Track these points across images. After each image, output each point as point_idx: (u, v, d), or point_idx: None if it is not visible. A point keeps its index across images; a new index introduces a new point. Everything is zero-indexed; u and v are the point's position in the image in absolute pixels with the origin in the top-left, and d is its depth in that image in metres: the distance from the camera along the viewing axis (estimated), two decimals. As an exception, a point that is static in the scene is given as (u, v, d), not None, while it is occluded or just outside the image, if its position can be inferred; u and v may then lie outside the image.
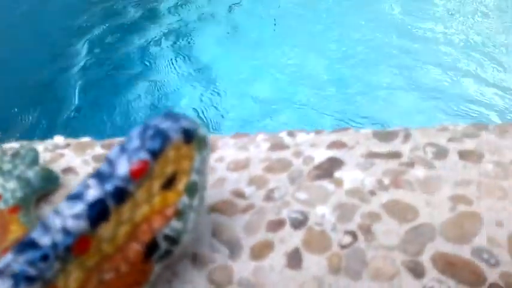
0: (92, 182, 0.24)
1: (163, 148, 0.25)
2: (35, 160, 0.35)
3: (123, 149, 0.25)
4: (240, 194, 0.33)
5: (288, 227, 0.31)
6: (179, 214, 0.26)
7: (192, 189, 0.26)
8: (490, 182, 0.32)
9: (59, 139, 0.42)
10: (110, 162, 0.24)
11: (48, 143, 0.41)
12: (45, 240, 0.23)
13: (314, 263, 0.30)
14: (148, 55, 1.65)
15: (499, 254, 0.29)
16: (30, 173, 0.34)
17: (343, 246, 0.30)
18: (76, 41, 1.69)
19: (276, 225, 0.31)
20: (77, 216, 0.23)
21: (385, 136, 0.38)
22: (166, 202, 0.26)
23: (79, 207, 0.23)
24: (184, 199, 0.26)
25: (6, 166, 0.34)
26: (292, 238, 0.31)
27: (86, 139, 0.42)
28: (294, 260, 0.30)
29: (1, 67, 1.56)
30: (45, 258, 0.22)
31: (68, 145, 0.40)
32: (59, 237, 0.23)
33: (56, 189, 0.35)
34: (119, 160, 0.24)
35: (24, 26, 1.73)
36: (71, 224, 0.23)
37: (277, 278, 0.30)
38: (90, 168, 0.37)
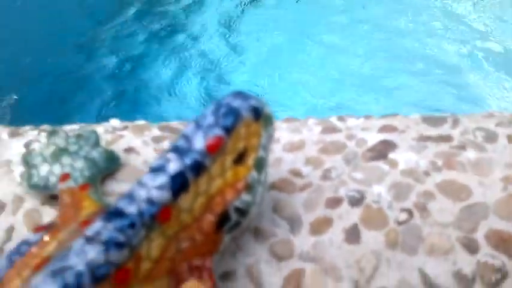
0: (172, 156, 0.26)
1: (236, 125, 0.26)
2: (97, 142, 0.37)
3: (198, 125, 0.26)
4: (297, 173, 0.35)
5: (345, 205, 0.33)
6: (249, 188, 0.28)
7: (260, 165, 0.28)
8: (541, 165, 0.33)
9: (115, 122, 0.44)
10: (187, 137, 0.26)
11: (107, 125, 0.43)
12: (131, 209, 0.24)
13: (372, 238, 0.32)
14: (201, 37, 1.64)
15: (552, 232, 0.30)
16: (95, 154, 0.36)
17: (399, 223, 0.32)
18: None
19: (334, 202, 0.33)
20: (160, 187, 0.25)
21: (434, 121, 0.39)
22: (237, 176, 0.27)
23: (162, 179, 0.25)
24: (253, 174, 0.28)
25: (72, 147, 0.36)
26: (350, 215, 0.33)
27: (141, 122, 0.44)
28: (353, 235, 0.32)
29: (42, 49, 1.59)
30: (132, 225, 0.24)
31: (125, 127, 0.42)
32: (145, 207, 0.25)
33: (118, 168, 0.37)
34: (195, 136, 0.26)
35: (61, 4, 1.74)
36: (155, 194, 0.25)
37: (337, 252, 0.32)
38: (150, 149, 0.39)
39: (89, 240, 0.24)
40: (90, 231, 0.24)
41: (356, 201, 0.33)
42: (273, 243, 0.32)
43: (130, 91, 1.52)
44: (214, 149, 0.26)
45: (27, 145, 0.40)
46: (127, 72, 1.57)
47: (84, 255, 0.23)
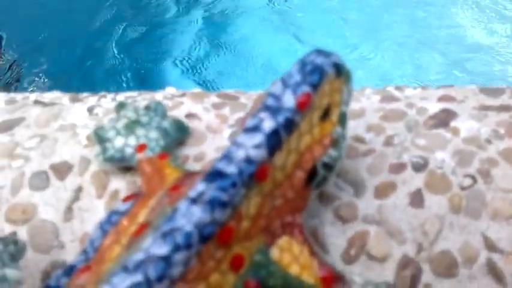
0: (265, 115, 0.27)
1: (321, 82, 0.28)
2: (165, 112, 0.39)
3: (285, 84, 0.28)
4: (359, 139, 0.37)
5: (409, 170, 0.34)
6: (334, 143, 0.29)
7: (343, 120, 0.30)
8: None
9: (171, 89, 0.46)
10: (275, 96, 0.27)
11: (165, 92, 0.45)
12: (231, 170, 0.26)
13: (435, 203, 0.33)
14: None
15: None
16: (166, 124, 0.37)
17: (463, 188, 0.33)
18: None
19: (398, 167, 0.34)
20: (257, 146, 0.26)
21: (493, 92, 0.40)
22: (323, 132, 0.29)
23: (259, 138, 0.26)
24: (338, 129, 0.29)
25: (144, 119, 0.37)
26: (414, 180, 0.34)
27: (197, 90, 0.45)
28: (417, 199, 0.33)
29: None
30: (234, 185, 0.26)
31: (183, 94, 0.44)
32: (244, 166, 0.26)
33: (188, 137, 0.39)
34: (284, 94, 0.27)
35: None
36: (253, 153, 0.26)
37: (401, 215, 0.33)
38: (211, 114, 0.40)
39: (194, 201, 0.25)
40: (193, 193, 0.25)
41: (420, 166, 0.34)
42: (337, 206, 0.34)
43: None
44: (303, 106, 0.27)
45: (90, 109, 0.42)
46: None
47: (190, 216, 0.25)
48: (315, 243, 0.31)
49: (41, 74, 1.50)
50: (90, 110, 0.42)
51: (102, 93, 0.46)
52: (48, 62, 1.54)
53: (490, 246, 0.32)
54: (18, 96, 0.46)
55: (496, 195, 0.33)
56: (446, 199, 0.33)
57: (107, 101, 0.44)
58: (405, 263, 0.32)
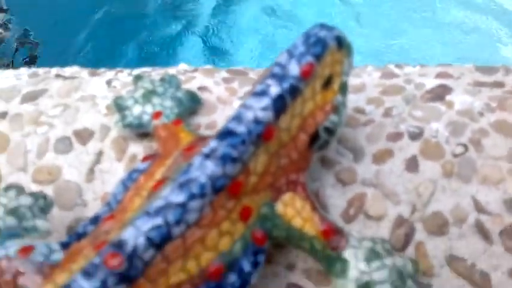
0: (271, 81, 0.30)
1: (324, 53, 0.31)
2: (179, 84, 0.42)
3: (291, 54, 0.31)
4: (360, 111, 0.39)
5: (406, 138, 0.37)
6: (335, 109, 0.32)
7: (344, 89, 0.32)
8: None
9: (184, 66, 0.49)
10: (281, 65, 0.30)
11: (178, 68, 0.48)
12: (241, 129, 0.29)
13: (429, 168, 0.36)
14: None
15: None
16: (180, 94, 0.40)
17: (455, 155, 0.36)
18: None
19: (395, 136, 0.37)
20: (264, 108, 0.29)
21: (488, 70, 0.43)
22: (325, 99, 0.32)
23: (266, 101, 0.29)
24: (339, 97, 0.32)
25: (159, 89, 0.40)
26: (410, 147, 0.37)
27: (209, 66, 0.48)
28: (412, 165, 0.36)
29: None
30: (243, 142, 0.29)
31: (195, 70, 0.47)
32: (252, 126, 0.29)
33: (200, 107, 0.42)
34: (289, 63, 0.30)
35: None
36: (260, 115, 0.29)
37: (397, 179, 0.36)
38: (221, 87, 0.43)
39: (207, 156, 0.28)
40: (206, 149, 0.28)
41: (415, 135, 0.37)
42: (338, 170, 0.37)
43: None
44: (307, 75, 0.30)
45: (108, 82, 0.45)
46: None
47: (204, 169, 0.28)
48: (316, 201, 0.34)
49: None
50: (108, 82, 0.45)
51: (119, 68, 0.49)
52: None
53: (479, 208, 0.35)
54: (40, 70, 0.49)
55: (485, 163, 0.36)
56: (440, 165, 0.36)
57: (124, 75, 0.47)
58: (400, 222, 0.35)
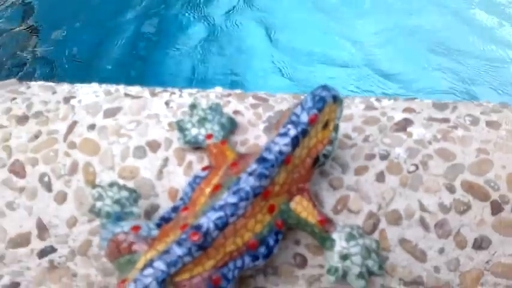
0: (291, 126, 0.48)
1: (324, 107, 0.48)
2: (222, 111, 0.59)
3: (302, 107, 0.48)
4: (347, 136, 0.57)
5: (377, 158, 0.55)
6: (330, 142, 0.50)
7: (337, 129, 0.50)
8: (502, 142, 0.55)
9: (219, 89, 0.66)
10: (296, 115, 0.48)
11: (215, 91, 0.65)
12: (271, 157, 0.47)
13: (392, 180, 0.54)
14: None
15: (500, 184, 0.53)
16: (223, 120, 0.58)
17: (409, 172, 0.54)
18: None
19: (370, 156, 0.56)
20: (286, 145, 0.47)
21: (440, 106, 0.61)
22: (324, 136, 0.49)
23: (287, 140, 0.47)
24: (333, 134, 0.50)
25: (209, 116, 0.57)
26: (380, 165, 0.55)
27: (238, 91, 0.66)
28: (380, 177, 0.54)
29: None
30: (272, 166, 0.47)
31: (229, 94, 0.64)
32: (278, 156, 0.47)
33: (236, 128, 0.59)
34: (301, 114, 0.48)
35: None
36: (284, 148, 0.47)
37: (370, 187, 0.54)
38: (251, 113, 0.61)
39: (250, 174, 0.46)
40: (249, 169, 0.46)
41: (384, 156, 0.55)
42: (330, 178, 0.55)
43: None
44: (313, 121, 0.48)
45: (167, 103, 0.63)
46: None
47: (248, 182, 0.46)
48: (316, 201, 0.52)
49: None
50: (166, 103, 0.63)
51: (170, 89, 0.66)
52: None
53: (423, 208, 0.53)
54: (111, 88, 0.67)
55: (429, 178, 0.54)
56: (398, 178, 0.54)
57: (176, 97, 0.64)
58: (370, 215, 0.53)
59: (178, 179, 0.56)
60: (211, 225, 0.45)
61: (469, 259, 0.51)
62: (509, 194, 0.52)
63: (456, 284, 0.50)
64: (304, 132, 0.48)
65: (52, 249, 0.56)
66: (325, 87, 0.49)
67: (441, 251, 0.51)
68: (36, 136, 0.61)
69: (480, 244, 0.51)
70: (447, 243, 0.51)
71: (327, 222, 0.49)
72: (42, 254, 0.56)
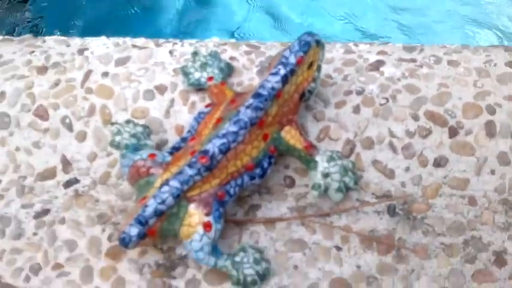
0: (280, 66, 0.57)
1: (308, 50, 0.57)
2: (220, 57, 0.68)
3: (290, 51, 0.57)
4: (329, 76, 0.67)
5: (354, 94, 0.65)
6: (314, 80, 0.59)
7: (319, 68, 0.59)
8: (460, 77, 0.65)
9: (216, 39, 0.75)
10: (286, 57, 0.57)
11: (212, 41, 0.74)
12: (265, 92, 0.56)
13: (366, 112, 0.64)
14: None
15: (457, 112, 0.63)
16: (222, 65, 0.67)
17: (381, 104, 0.64)
18: None
19: (348, 92, 0.65)
20: (277, 82, 0.56)
21: (409, 49, 0.70)
22: (308, 75, 0.59)
23: (277, 78, 0.56)
24: (316, 73, 0.59)
25: (210, 61, 0.66)
26: (356, 100, 0.65)
27: (232, 40, 0.74)
28: (356, 109, 0.64)
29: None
30: (266, 99, 0.56)
31: (225, 43, 0.73)
32: (271, 91, 0.56)
33: (233, 72, 0.68)
34: (290, 56, 0.57)
35: None
36: (275, 85, 0.56)
37: (347, 118, 0.64)
38: (245, 59, 0.70)
39: (247, 107, 0.55)
40: (247, 103, 0.56)
41: (359, 92, 0.65)
42: (314, 112, 0.65)
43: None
44: (299, 62, 0.57)
45: (170, 52, 0.72)
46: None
47: (246, 114, 0.55)
48: (302, 130, 0.62)
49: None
50: (170, 52, 0.72)
51: (172, 40, 0.75)
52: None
53: (392, 134, 0.63)
54: (118, 40, 0.75)
55: (397, 109, 0.64)
56: (372, 110, 0.64)
57: (178, 46, 0.73)
58: (348, 142, 0.63)
59: (184, 116, 0.66)
60: (216, 150, 0.55)
61: (429, 175, 0.61)
62: (464, 120, 0.63)
63: (419, 196, 0.61)
64: (292, 72, 0.57)
65: (76, 180, 0.65)
66: (309, 34, 0.58)
67: (407, 169, 0.62)
68: (56, 84, 0.70)
69: (439, 162, 0.62)
70: (412, 162, 0.62)
71: (311, 148, 0.59)
72: (68, 184, 0.65)
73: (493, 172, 0.61)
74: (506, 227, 0.58)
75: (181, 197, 0.54)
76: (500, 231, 0.58)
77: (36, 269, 0.59)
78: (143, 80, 0.69)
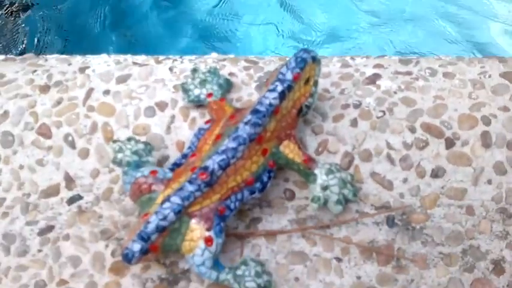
0: (278, 83, 0.58)
1: (305, 66, 0.59)
2: (219, 73, 0.70)
3: (287, 67, 0.59)
4: (326, 90, 0.68)
5: (351, 108, 0.67)
6: (311, 95, 0.61)
7: (316, 84, 0.61)
8: (455, 89, 0.67)
9: (214, 54, 0.77)
10: (283, 74, 0.59)
11: (212, 56, 0.75)
12: (263, 109, 0.57)
13: (363, 125, 0.65)
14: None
15: (453, 123, 0.64)
16: (221, 81, 0.68)
17: (378, 117, 0.66)
18: None
19: (345, 106, 0.67)
20: (275, 98, 0.58)
21: (405, 61, 0.72)
22: (305, 90, 0.60)
23: (275, 94, 0.58)
24: (313, 88, 0.61)
25: (209, 78, 0.68)
26: (353, 113, 0.66)
27: (231, 55, 0.76)
28: (354, 123, 0.66)
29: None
30: (264, 116, 0.57)
31: (224, 59, 0.75)
32: (268, 107, 0.57)
33: (232, 87, 0.70)
34: (286, 73, 0.58)
35: None
36: (273, 101, 0.57)
37: (345, 131, 0.65)
38: (244, 74, 0.72)
39: (246, 123, 0.57)
40: (245, 119, 0.57)
41: (357, 106, 0.67)
42: (312, 126, 0.66)
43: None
44: (296, 79, 0.58)
45: (170, 69, 0.73)
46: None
47: (245, 130, 0.57)
48: (300, 144, 0.64)
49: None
50: (170, 69, 0.73)
51: (172, 57, 0.76)
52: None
53: (389, 147, 0.65)
54: (119, 57, 0.77)
55: (394, 121, 0.65)
56: (369, 123, 0.66)
57: (178, 63, 0.75)
58: (346, 154, 0.65)
59: (184, 132, 0.67)
60: (216, 166, 0.56)
61: (427, 186, 0.63)
62: (460, 132, 0.64)
63: (417, 206, 0.62)
64: (289, 88, 0.59)
65: (79, 197, 0.67)
66: (305, 50, 0.60)
67: (405, 180, 0.63)
68: (59, 102, 0.71)
69: (436, 173, 0.63)
70: (410, 174, 0.63)
71: (310, 161, 0.61)
72: (71, 201, 0.67)
73: (489, 182, 0.62)
74: (504, 236, 0.59)
75: (182, 213, 0.55)
76: (498, 240, 0.59)
77: (41, 286, 0.60)
78: (144, 97, 0.70)
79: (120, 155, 0.62)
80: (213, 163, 0.56)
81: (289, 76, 0.58)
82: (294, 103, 0.60)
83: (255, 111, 0.58)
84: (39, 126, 0.70)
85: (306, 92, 0.61)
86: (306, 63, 0.59)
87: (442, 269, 0.58)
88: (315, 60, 0.60)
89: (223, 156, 0.56)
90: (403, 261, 0.59)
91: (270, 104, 0.58)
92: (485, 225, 0.60)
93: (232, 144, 0.57)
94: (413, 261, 0.58)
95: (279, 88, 0.58)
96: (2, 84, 0.74)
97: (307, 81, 0.60)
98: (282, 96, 0.58)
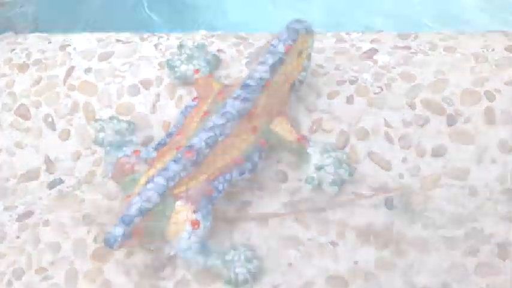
0: (269, 55, 0.55)
1: (297, 38, 0.56)
2: (207, 49, 0.67)
3: (279, 39, 0.56)
4: (320, 66, 0.65)
5: (347, 84, 0.63)
6: (304, 69, 0.58)
7: (309, 57, 0.58)
8: (457, 63, 0.63)
9: (203, 32, 0.73)
10: (274, 46, 0.55)
11: (200, 33, 0.72)
12: (253, 83, 0.54)
13: (360, 102, 0.62)
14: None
15: (455, 100, 0.61)
16: (209, 57, 0.65)
17: (375, 93, 0.62)
18: None
19: (341, 82, 0.64)
20: (265, 71, 0.55)
21: (404, 36, 0.68)
22: (298, 63, 0.57)
23: (266, 67, 0.55)
24: (306, 62, 0.58)
25: (196, 54, 0.65)
26: (349, 89, 0.63)
27: (219, 32, 0.73)
28: (350, 100, 0.62)
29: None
30: (254, 90, 0.54)
31: (212, 36, 0.72)
32: (258, 81, 0.54)
33: (220, 64, 0.67)
34: (278, 44, 0.55)
35: None
36: (263, 75, 0.54)
37: (341, 108, 0.62)
38: (234, 50, 0.68)
39: (235, 98, 0.54)
40: (234, 94, 0.54)
41: (353, 81, 0.63)
42: (306, 103, 0.63)
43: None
44: (288, 51, 0.55)
45: (156, 46, 0.70)
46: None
47: (234, 105, 0.54)
48: (293, 122, 0.60)
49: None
50: (155, 46, 0.70)
51: (158, 34, 0.73)
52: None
53: (387, 124, 0.61)
54: (102, 35, 0.73)
55: (392, 98, 0.62)
56: (366, 99, 0.62)
57: (164, 40, 0.71)
58: (341, 133, 0.61)
59: (170, 111, 0.64)
60: (203, 144, 0.53)
61: (428, 165, 0.59)
62: (462, 108, 0.61)
63: (417, 187, 0.59)
64: (281, 61, 0.55)
65: (60, 181, 0.64)
66: (298, 21, 0.57)
67: (404, 160, 0.60)
68: (38, 81, 0.68)
69: (437, 152, 0.60)
70: (409, 153, 0.60)
71: (303, 139, 0.58)
72: (52, 185, 0.64)
73: (494, 161, 0.59)
74: (509, 218, 0.57)
75: (167, 194, 0.52)
76: (503, 222, 0.56)
77: (19, 273, 0.57)
78: (127, 74, 0.67)
79: (101, 135, 0.59)
80: (199, 141, 0.53)
81: (280, 48, 0.55)
82: (286, 77, 0.57)
83: (244, 86, 0.54)
84: (17, 107, 0.67)
85: (299, 65, 0.57)
86: (299, 34, 0.56)
87: (444, 253, 0.55)
88: (308, 31, 0.57)
89: (211, 133, 0.53)
90: (402, 245, 0.56)
91: (261, 78, 0.54)
92: (489, 206, 0.57)
93: (220, 121, 0.54)
94: (413, 245, 0.55)
95: (270, 61, 0.55)
96: (-22, 63, 0.70)
97: (299, 54, 0.57)
98: (274, 69, 0.55)
